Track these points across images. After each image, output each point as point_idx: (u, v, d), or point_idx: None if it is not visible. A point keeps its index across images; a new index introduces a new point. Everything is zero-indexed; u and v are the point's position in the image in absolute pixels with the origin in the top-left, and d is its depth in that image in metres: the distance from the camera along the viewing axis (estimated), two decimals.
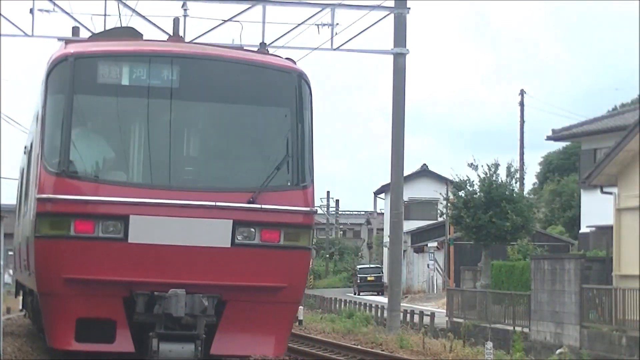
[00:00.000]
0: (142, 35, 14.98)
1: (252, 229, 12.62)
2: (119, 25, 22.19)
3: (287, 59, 13.90)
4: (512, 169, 34.95)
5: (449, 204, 37.30)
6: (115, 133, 12.77)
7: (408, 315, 34.58)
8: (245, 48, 14.27)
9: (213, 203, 12.42)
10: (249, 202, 12.51)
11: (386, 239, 69.72)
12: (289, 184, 12.88)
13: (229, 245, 12.53)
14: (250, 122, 13.17)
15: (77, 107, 12.46)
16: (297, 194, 12.86)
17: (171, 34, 14.66)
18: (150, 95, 12.66)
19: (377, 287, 68.80)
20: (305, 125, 13.09)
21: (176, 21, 14.88)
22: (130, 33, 15.09)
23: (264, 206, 12.53)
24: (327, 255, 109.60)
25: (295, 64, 13.79)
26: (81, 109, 12.54)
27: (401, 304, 33.85)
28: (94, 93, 12.68)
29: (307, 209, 12.92)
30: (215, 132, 13.25)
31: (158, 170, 12.61)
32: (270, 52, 14.24)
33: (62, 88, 12.54)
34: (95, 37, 15.10)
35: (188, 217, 12.36)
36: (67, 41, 13.49)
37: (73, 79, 12.46)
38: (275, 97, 13.15)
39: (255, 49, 15.09)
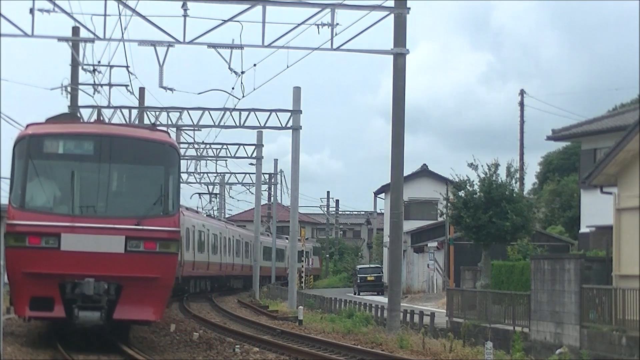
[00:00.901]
0: (79, 118, 24.60)
1: (138, 241, 20.04)
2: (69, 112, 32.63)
3: (164, 132, 22.21)
4: (512, 169, 34.90)
5: (449, 204, 37.23)
6: (54, 182, 20.48)
7: (408, 315, 34.57)
8: (140, 125, 23.47)
9: (112, 226, 19.95)
10: (136, 225, 19.98)
11: (386, 239, 69.69)
12: (161, 213, 20.36)
13: (123, 252, 19.98)
14: (139, 175, 20.95)
15: (30, 167, 20.16)
16: (166, 219, 20.40)
17: (172, 36, 17.00)
18: (75, 159, 20.48)
19: (377, 287, 68.80)
20: (173, 176, 20.72)
21: (100, 111, 25.15)
22: (73, 117, 25.21)
23: (144, 227, 20.00)
24: (327, 255, 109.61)
25: (170, 136, 21.95)
26: (32, 168, 20.20)
27: (401, 304, 33.85)
28: (40, 158, 20.35)
29: (172, 229, 20.40)
30: (117, 182, 20.80)
31: (80, 205, 20.16)
32: (157, 129, 22.64)
33: (21, 155, 20.27)
34: (49, 120, 22.22)
35: (97, 234, 19.89)
36: (28, 124, 20.96)
37: (28, 150, 20.23)
38: (154, 159, 20.77)
39: (255, 48, 22.49)
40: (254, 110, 48.73)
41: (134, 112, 50.65)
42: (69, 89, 48.74)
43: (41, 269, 19.87)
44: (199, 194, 73.51)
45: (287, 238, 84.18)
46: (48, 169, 20.55)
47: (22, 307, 20.34)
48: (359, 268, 76.66)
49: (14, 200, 20.27)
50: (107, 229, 20.03)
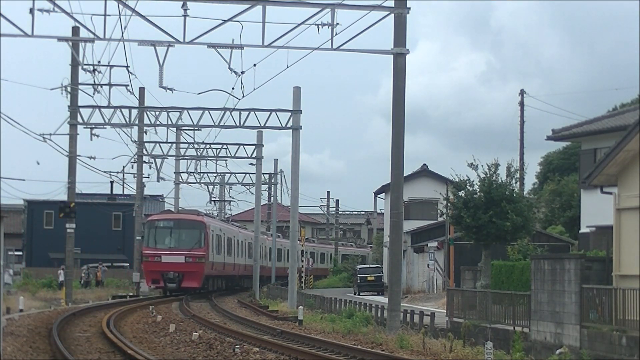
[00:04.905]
0: (170, 211, 65.26)
1: (189, 257, 56.53)
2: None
3: (202, 215, 61.22)
4: (512, 169, 34.84)
5: (449, 204, 37.18)
6: (158, 236, 57.43)
7: (408, 315, 34.52)
8: (193, 209, 65.35)
9: (180, 252, 56.72)
10: (189, 252, 56.74)
11: (386, 239, 69.63)
12: (198, 246, 57.27)
13: (184, 262, 56.37)
14: (189, 233, 57.44)
15: (151, 231, 57.70)
16: (200, 249, 57.28)
17: (173, 36, 16.28)
18: (166, 228, 57.67)
19: (377, 287, 68.75)
20: (203, 233, 57.42)
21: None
22: (167, 211, 64.34)
23: (192, 252, 56.79)
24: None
25: (204, 216, 61.08)
26: (150, 231, 57.76)
27: (401, 304, 33.84)
28: (153, 228, 57.78)
29: (202, 253, 57.18)
30: (181, 236, 57.48)
31: (168, 244, 57.27)
32: (199, 213, 62.45)
33: (147, 227, 58.50)
34: (161, 212, 65.01)
35: (175, 255, 56.60)
36: (152, 214, 65.79)
37: (148, 225, 59.00)
38: (195, 227, 57.74)
39: (255, 48, 23.51)
40: (254, 110, 48.73)
41: (134, 112, 50.63)
42: (69, 88, 48.79)
43: (155, 269, 55.99)
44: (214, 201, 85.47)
45: (314, 240, 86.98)
46: (156, 231, 56.91)
47: (148, 284, 57.67)
48: (359, 268, 76.54)
49: (145, 243, 57.39)
50: (178, 253, 56.01)
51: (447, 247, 55.11)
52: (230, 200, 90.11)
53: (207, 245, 57.45)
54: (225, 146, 62.26)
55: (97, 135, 50.06)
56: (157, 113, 50.13)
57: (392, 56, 31.79)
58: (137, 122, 52.65)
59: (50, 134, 47.20)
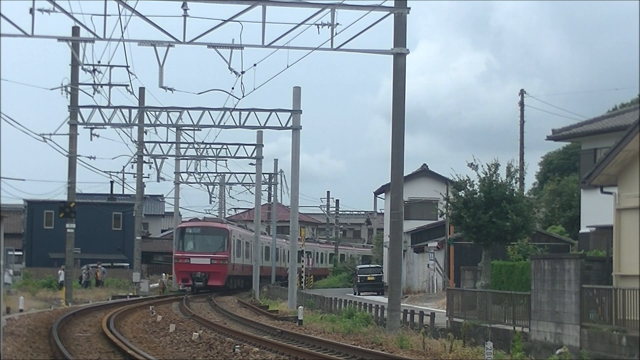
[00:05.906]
0: (197, 219, 71.94)
1: (214, 260, 65.82)
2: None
3: (225, 223, 71.51)
4: (512, 169, 34.83)
5: (449, 204, 37.16)
6: (187, 241, 67.17)
7: (408, 315, 34.52)
8: (217, 217, 77.52)
9: (206, 255, 65.95)
10: (214, 254, 65.96)
11: (386, 239, 69.61)
12: (222, 250, 66.37)
13: (209, 263, 65.65)
14: (214, 238, 66.88)
15: (181, 236, 67.62)
16: (223, 252, 66.46)
17: (173, 36, 16.54)
18: (194, 234, 67.47)
19: (377, 287, 68.73)
20: (226, 239, 67.23)
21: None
22: (195, 219, 71.59)
23: (216, 255, 66.10)
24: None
25: (228, 224, 70.69)
26: (179, 236, 67.88)
27: (401, 304, 33.84)
28: (183, 234, 67.63)
29: (225, 256, 66.55)
30: (207, 240, 67.17)
31: (196, 248, 66.75)
32: (223, 221, 72.97)
33: (177, 233, 69.42)
34: (191, 220, 71.68)
35: (202, 257, 65.65)
36: (183, 221, 74.08)
37: (179, 232, 68.57)
38: (219, 233, 67.02)
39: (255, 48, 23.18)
40: (254, 110, 48.73)
41: (134, 112, 50.62)
42: (69, 88, 48.79)
43: (185, 269, 65.56)
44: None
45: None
46: (185, 237, 66.82)
47: (178, 282, 67.41)
48: (359, 268, 76.49)
49: (175, 247, 68.19)
50: (204, 256, 65.21)
51: (447, 247, 55.08)
52: (248, 209, 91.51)
53: (230, 249, 67.21)
54: (225, 146, 62.28)
55: (97, 135, 50.09)
56: (157, 113, 50.11)
57: (392, 56, 31.79)
58: (137, 122, 52.65)
59: (50, 134, 47.25)
